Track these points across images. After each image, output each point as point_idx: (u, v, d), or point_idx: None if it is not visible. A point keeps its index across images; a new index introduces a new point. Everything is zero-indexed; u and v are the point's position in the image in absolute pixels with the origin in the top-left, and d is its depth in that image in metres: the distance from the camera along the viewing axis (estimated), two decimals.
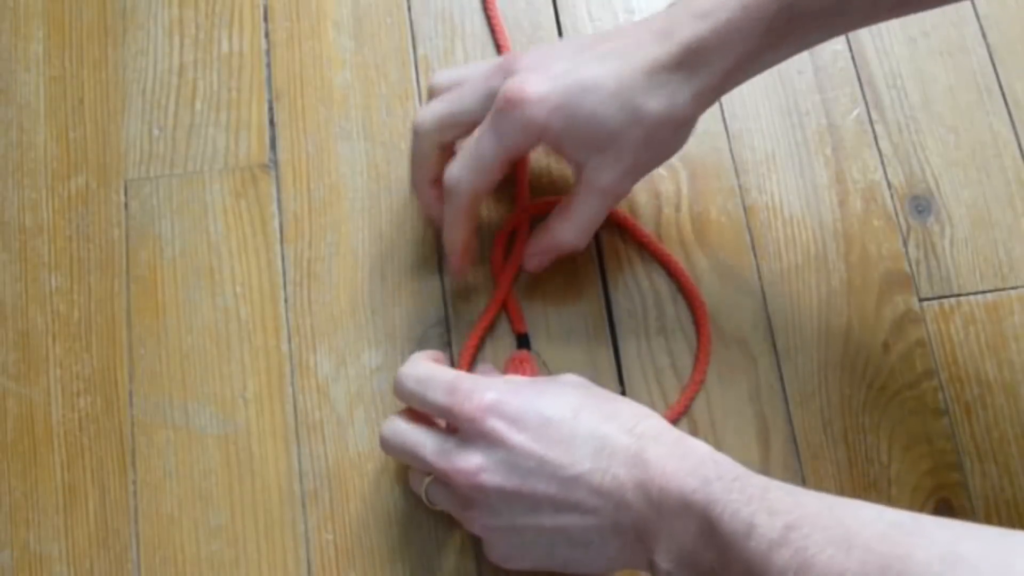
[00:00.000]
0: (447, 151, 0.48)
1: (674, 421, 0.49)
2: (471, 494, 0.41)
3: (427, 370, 0.44)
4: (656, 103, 0.43)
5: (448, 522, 0.48)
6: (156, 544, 0.48)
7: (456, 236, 0.48)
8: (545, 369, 0.51)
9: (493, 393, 0.41)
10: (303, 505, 0.49)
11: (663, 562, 0.38)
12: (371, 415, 0.50)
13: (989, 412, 0.50)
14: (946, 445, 0.50)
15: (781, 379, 0.51)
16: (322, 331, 0.52)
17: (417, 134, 0.48)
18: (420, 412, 0.45)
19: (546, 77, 0.44)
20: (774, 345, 0.51)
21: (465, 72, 0.48)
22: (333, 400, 0.50)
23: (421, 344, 0.51)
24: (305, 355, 0.51)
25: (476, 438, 0.41)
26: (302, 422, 0.50)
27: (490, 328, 0.51)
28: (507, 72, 0.45)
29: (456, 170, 0.46)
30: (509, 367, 0.50)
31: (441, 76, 0.49)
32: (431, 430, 0.43)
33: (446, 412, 0.42)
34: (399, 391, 0.44)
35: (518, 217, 0.52)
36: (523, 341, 0.51)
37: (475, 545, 0.48)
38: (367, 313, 0.52)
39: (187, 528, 0.48)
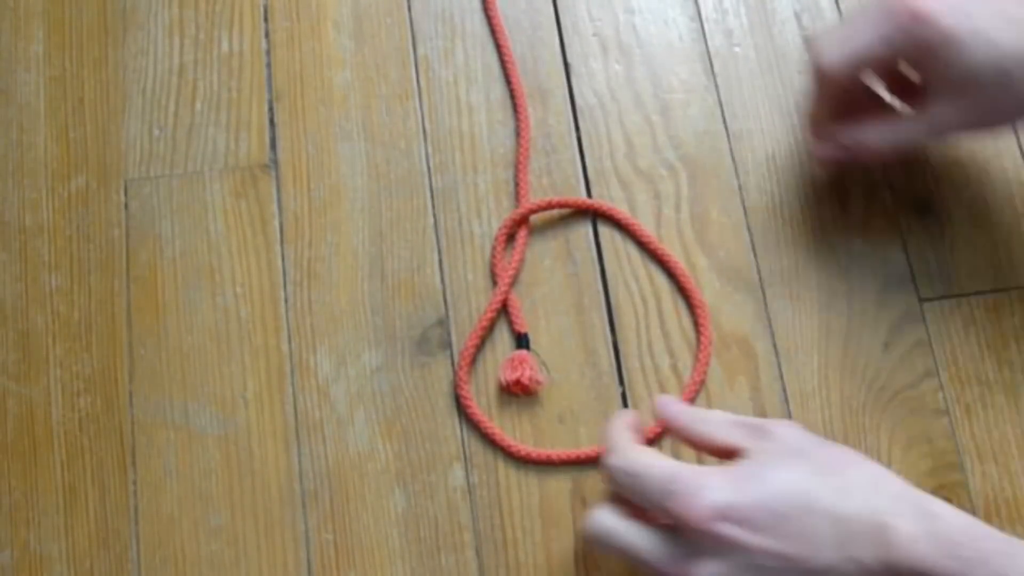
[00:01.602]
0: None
1: None
2: None
3: (636, 464, 0.41)
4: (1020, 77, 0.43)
5: (448, 522, 0.48)
6: (156, 544, 0.48)
7: (816, 118, 0.50)
8: (544, 369, 0.51)
9: (715, 493, 0.38)
10: (303, 505, 0.49)
11: None
12: (371, 415, 0.50)
13: (989, 412, 0.50)
14: (946, 445, 0.50)
15: (781, 379, 0.51)
16: (322, 331, 0.52)
17: (820, 73, 0.47)
18: (622, 509, 0.42)
19: (951, 7, 0.44)
20: (774, 345, 0.51)
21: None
22: (333, 400, 0.50)
23: (421, 344, 0.51)
24: (305, 355, 0.51)
25: (708, 545, 0.38)
26: (302, 422, 0.50)
27: (490, 328, 0.51)
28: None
29: (829, 50, 0.46)
30: (508, 367, 0.50)
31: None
32: (652, 531, 0.40)
33: (665, 513, 0.39)
34: (613, 484, 0.42)
35: (518, 217, 0.52)
36: (523, 341, 0.51)
37: (476, 545, 0.48)
38: (367, 313, 0.52)
39: (187, 528, 0.48)
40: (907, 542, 0.36)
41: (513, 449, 0.49)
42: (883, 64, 0.47)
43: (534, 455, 0.49)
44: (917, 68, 0.47)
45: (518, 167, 0.54)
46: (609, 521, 0.41)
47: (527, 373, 0.49)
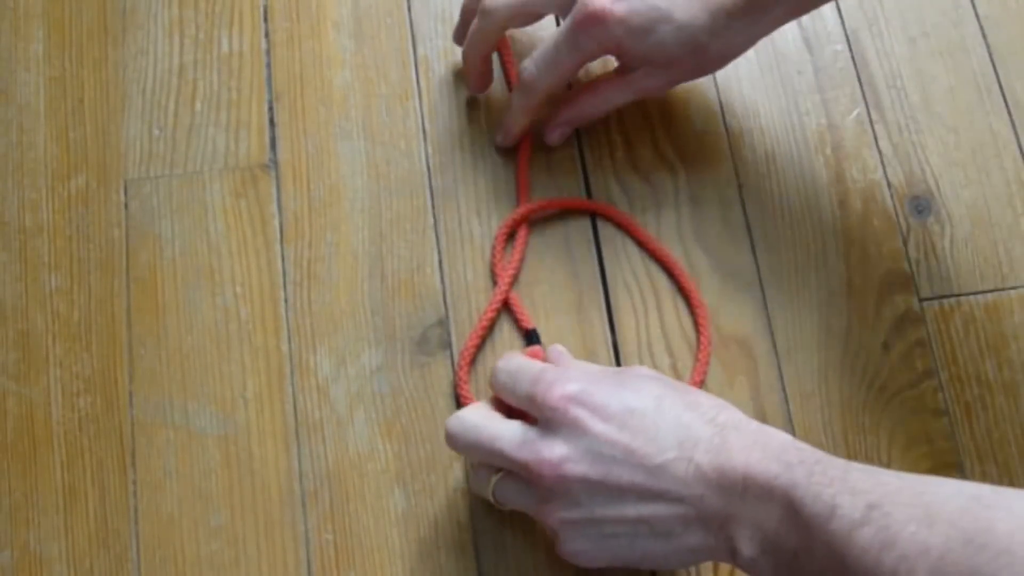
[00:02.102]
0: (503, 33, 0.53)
1: None
2: (552, 485, 0.41)
3: (517, 363, 0.45)
4: (717, 44, 0.49)
5: (448, 522, 0.48)
6: (156, 544, 0.48)
7: (520, 122, 0.53)
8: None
9: (576, 384, 0.42)
10: (303, 505, 0.49)
11: (746, 549, 0.38)
12: (371, 415, 0.50)
13: (989, 412, 0.50)
14: (946, 445, 0.50)
15: (781, 379, 0.51)
16: (322, 331, 0.52)
17: (485, 12, 0.51)
18: (488, 409, 0.45)
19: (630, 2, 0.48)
20: (774, 345, 0.51)
21: None
22: (333, 400, 0.50)
23: (421, 344, 0.51)
24: (305, 355, 0.51)
25: (558, 427, 0.41)
26: (302, 422, 0.50)
27: (490, 328, 0.51)
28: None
29: (533, 68, 0.51)
30: None
31: None
32: (507, 421, 0.43)
33: (529, 400, 0.43)
34: (494, 384, 0.45)
35: (518, 217, 0.52)
36: (533, 336, 0.51)
37: (476, 545, 0.48)
38: (367, 313, 0.52)
39: (187, 528, 0.48)
40: (743, 449, 0.39)
41: None
42: (587, 60, 0.52)
43: None
44: (614, 55, 0.51)
45: (519, 167, 0.54)
46: (471, 416, 0.44)
47: None
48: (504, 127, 0.54)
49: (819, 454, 0.38)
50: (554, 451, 0.40)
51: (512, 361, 0.45)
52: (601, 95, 0.52)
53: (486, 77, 0.54)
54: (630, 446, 0.40)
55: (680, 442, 0.40)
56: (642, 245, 0.53)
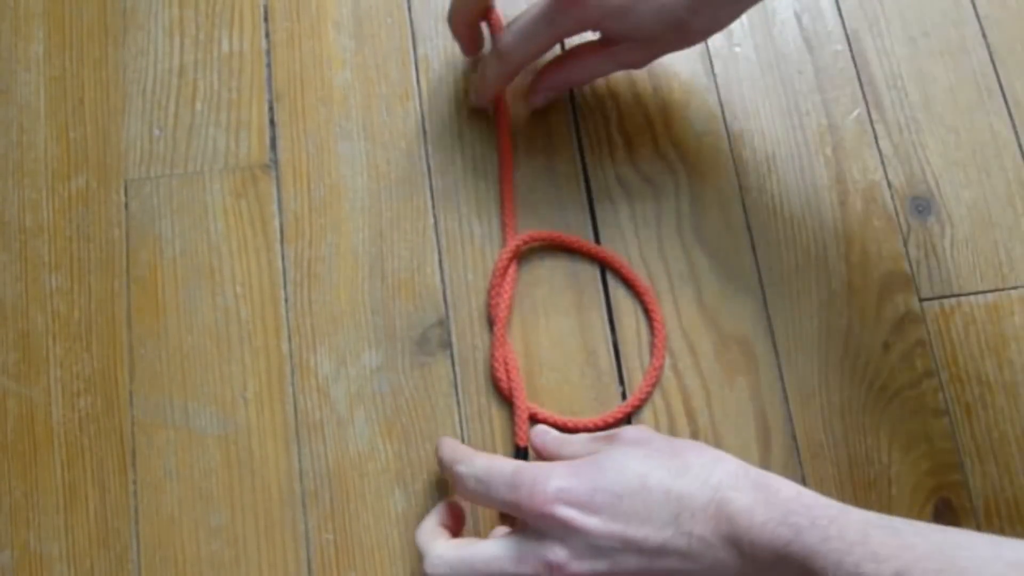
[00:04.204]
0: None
1: (638, 407, 0.50)
2: None
3: (483, 465, 0.43)
4: (699, 22, 0.48)
5: None
6: (156, 544, 0.48)
7: (493, 87, 0.53)
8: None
9: (555, 481, 0.40)
10: (303, 505, 0.49)
11: None
12: (371, 415, 0.50)
13: (989, 412, 0.50)
14: (946, 445, 0.50)
15: (781, 379, 0.51)
16: (322, 331, 0.52)
17: None
18: (453, 526, 0.45)
19: None
20: (774, 345, 0.51)
21: None
22: (333, 400, 0.50)
23: (421, 344, 0.51)
24: (305, 355, 0.51)
25: (551, 530, 0.40)
26: (302, 422, 0.50)
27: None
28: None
29: (510, 39, 0.50)
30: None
31: None
32: (490, 542, 0.42)
33: (513, 509, 0.41)
34: (463, 491, 0.43)
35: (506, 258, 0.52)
36: (521, 454, 0.49)
37: None
38: (367, 313, 0.52)
39: (187, 528, 0.48)
40: (744, 513, 0.37)
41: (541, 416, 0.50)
42: (564, 37, 0.52)
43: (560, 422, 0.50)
44: (595, 31, 0.51)
45: (499, 128, 0.55)
46: (449, 552, 0.42)
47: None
48: (478, 89, 0.54)
49: (831, 509, 0.36)
50: (557, 555, 0.39)
51: (475, 463, 0.43)
52: (584, 64, 0.52)
53: (474, 42, 0.54)
54: (625, 535, 0.39)
55: (675, 516, 0.39)
56: (574, 250, 0.53)
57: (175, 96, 0.56)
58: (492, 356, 0.50)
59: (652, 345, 0.51)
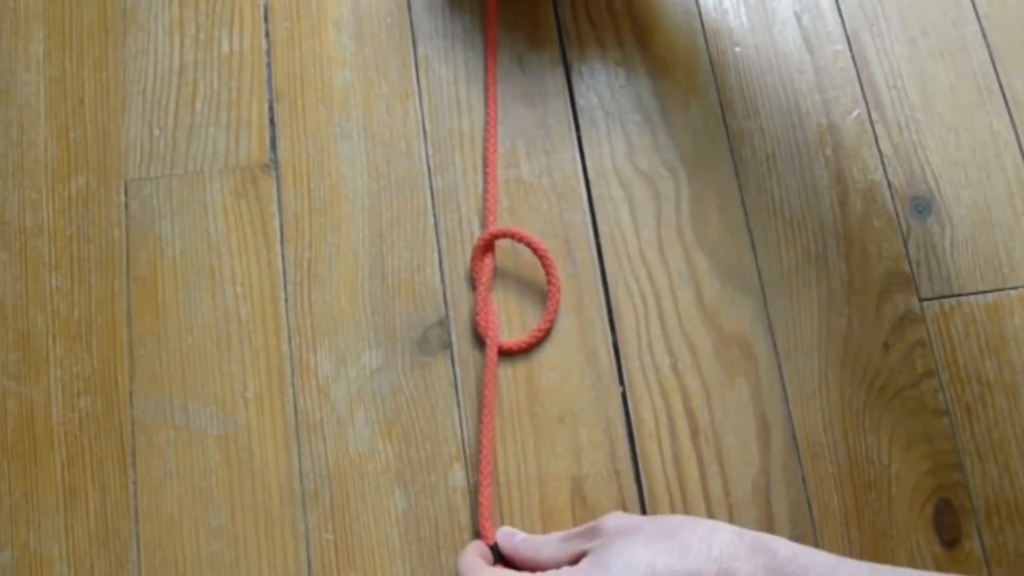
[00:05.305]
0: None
1: (537, 343, 0.51)
2: None
3: None
4: None
5: (448, 522, 0.48)
6: (156, 544, 0.48)
7: None
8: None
9: None
10: (303, 505, 0.49)
11: None
12: (371, 415, 0.50)
13: (989, 412, 0.50)
14: (946, 445, 0.50)
15: (781, 379, 0.51)
16: (322, 331, 0.52)
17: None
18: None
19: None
20: (774, 345, 0.51)
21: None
22: (333, 400, 0.50)
23: (421, 344, 0.51)
24: (305, 355, 0.51)
25: None
26: (302, 422, 0.50)
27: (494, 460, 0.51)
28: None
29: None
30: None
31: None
32: None
33: None
34: None
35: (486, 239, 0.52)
36: (494, 552, 0.47)
37: None
38: (367, 313, 0.52)
39: (187, 528, 0.48)
40: None
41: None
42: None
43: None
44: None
45: (486, 202, 0.53)
46: None
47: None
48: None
49: (824, 568, 0.38)
50: None
51: None
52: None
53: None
54: None
55: None
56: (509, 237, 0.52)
57: (175, 96, 0.56)
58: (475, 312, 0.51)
59: (545, 308, 0.51)
